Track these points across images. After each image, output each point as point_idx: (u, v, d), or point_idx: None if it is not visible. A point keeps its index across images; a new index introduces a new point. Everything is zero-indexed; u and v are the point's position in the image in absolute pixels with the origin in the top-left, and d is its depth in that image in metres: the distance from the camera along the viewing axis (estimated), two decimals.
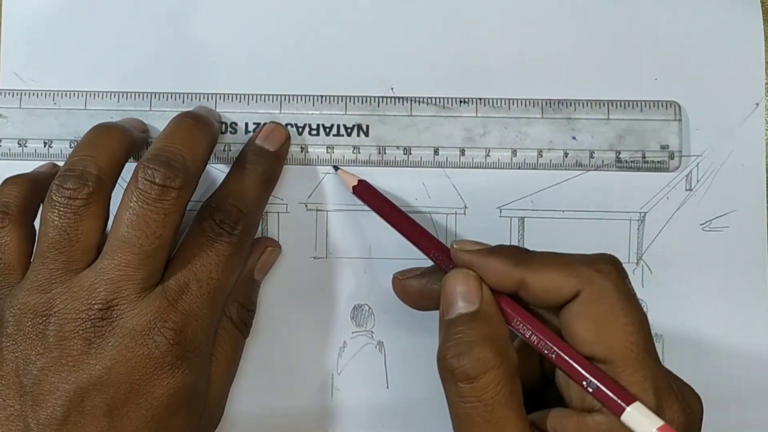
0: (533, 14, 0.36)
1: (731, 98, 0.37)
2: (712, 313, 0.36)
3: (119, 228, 0.29)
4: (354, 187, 0.34)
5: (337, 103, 0.36)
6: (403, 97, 0.36)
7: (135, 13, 0.36)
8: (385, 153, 0.35)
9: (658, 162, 0.35)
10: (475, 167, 0.35)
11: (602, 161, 0.35)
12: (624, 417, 0.26)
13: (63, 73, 0.36)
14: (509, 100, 0.36)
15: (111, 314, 0.28)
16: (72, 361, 0.28)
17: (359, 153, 0.35)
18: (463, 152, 0.35)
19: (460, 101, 0.36)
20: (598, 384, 0.26)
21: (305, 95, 0.36)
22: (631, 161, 0.35)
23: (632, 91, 0.36)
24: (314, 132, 0.36)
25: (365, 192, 0.34)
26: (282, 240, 0.36)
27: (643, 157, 0.35)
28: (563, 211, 0.36)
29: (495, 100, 0.36)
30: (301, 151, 0.36)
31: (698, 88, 0.37)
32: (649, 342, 0.27)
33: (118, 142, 0.31)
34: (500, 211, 0.36)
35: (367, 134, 0.35)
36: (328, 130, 0.36)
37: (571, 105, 0.36)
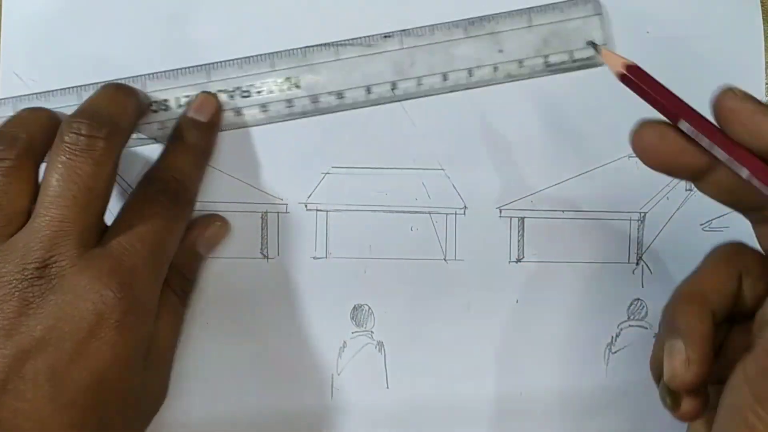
0: None
1: None
2: None
3: (50, 183, 0.28)
4: (622, 75, 0.28)
5: (264, 61, 0.35)
6: (327, 43, 0.36)
7: (135, 13, 0.36)
8: (318, 102, 0.35)
9: (586, 59, 0.36)
10: (409, 98, 0.36)
11: (532, 68, 0.36)
12: None
13: (63, 73, 0.36)
14: (431, 26, 0.36)
15: (50, 272, 0.27)
16: (9, 325, 0.27)
17: (293, 106, 0.35)
18: (395, 86, 0.36)
19: (384, 36, 0.36)
20: None
21: (231, 59, 0.35)
22: (561, 63, 0.36)
23: None
24: (246, 94, 0.35)
25: (639, 80, 0.27)
26: (282, 240, 0.36)
27: (571, 57, 0.36)
28: (563, 211, 0.36)
29: (418, 29, 0.36)
30: (236, 115, 0.35)
31: (698, 87, 0.37)
32: None
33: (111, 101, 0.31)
34: (500, 211, 0.36)
35: (298, 86, 0.35)
36: (258, 89, 0.36)
37: (492, 19, 0.36)
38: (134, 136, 0.35)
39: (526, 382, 0.36)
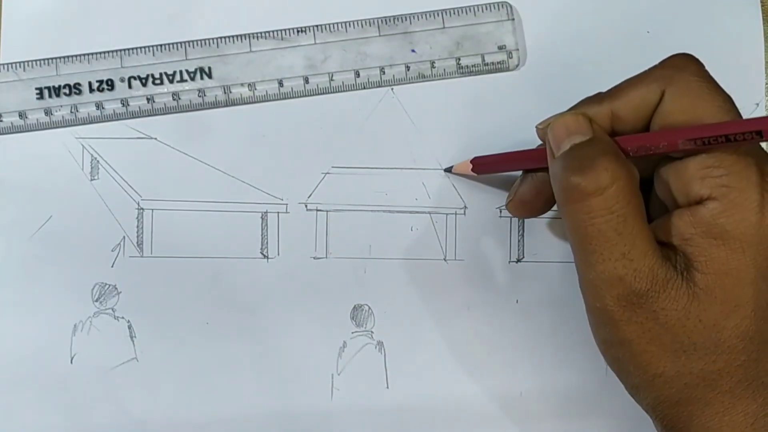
0: None
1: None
2: None
3: None
4: (472, 170, 0.35)
5: (177, 49, 0.36)
6: (241, 35, 0.36)
7: (135, 13, 0.36)
8: (230, 92, 0.36)
9: (498, 63, 0.36)
10: (320, 93, 0.36)
11: (444, 70, 0.36)
12: None
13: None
14: (345, 23, 0.36)
15: None
16: None
17: (205, 96, 0.36)
18: (307, 80, 0.36)
19: (298, 31, 0.36)
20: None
21: (144, 47, 0.35)
22: (472, 66, 0.36)
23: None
24: (158, 81, 0.36)
25: (484, 165, 0.34)
26: (282, 240, 0.36)
27: (483, 60, 0.36)
28: None
29: (332, 25, 0.36)
30: (148, 102, 0.35)
31: None
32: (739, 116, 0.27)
33: None
34: (500, 211, 0.36)
35: (210, 76, 0.36)
36: (171, 77, 0.36)
37: (406, 19, 0.36)
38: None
39: (526, 382, 0.36)
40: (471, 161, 0.34)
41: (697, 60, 0.28)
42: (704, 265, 0.26)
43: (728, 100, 0.27)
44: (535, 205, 0.33)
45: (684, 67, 0.28)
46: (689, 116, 0.27)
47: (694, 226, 0.26)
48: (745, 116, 0.36)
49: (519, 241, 0.36)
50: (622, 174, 0.26)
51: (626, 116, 0.28)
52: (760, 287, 0.26)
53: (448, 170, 0.36)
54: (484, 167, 0.34)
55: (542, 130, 0.30)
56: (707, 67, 0.37)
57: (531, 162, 0.32)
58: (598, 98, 0.29)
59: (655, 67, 0.28)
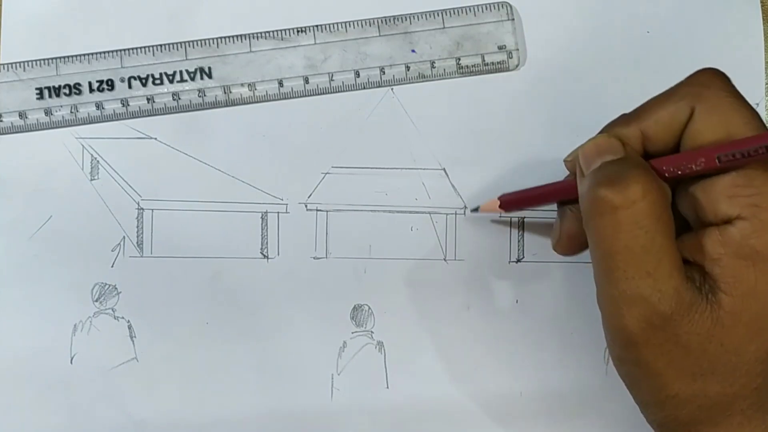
0: None
1: None
2: None
3: None
4: (500, 207, 0.34)
5: (177, 49, 0.36)
6: (241, 35, 0.36)
7: (135, 13, 0.36)
8: (230, 92, 0.36)
9: (498, 63, 0.36)
10: (320, 93, 0.36)
11: (444, 70, 0.36)
12: None
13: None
14: (345, 23, 0.36)
15: None
16: None
17: (205, 96, 0.36)
18: (307, 80, 0.36)
19: (298, 31, 0.36)
20: None
21: (144, 47, 0.36)
22: (473, 66, 0.36)
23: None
24: (158, 81, 0.36)
25: (512, 203, 0.34)
26: (282, 240, 0.36)
27: (483, 60, 0.36)
28: None
29: (332, 25, 0.36)
30: (148, 102, 0.35)
31: None
32: None
33: None
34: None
35: (210, 76, 0.36)
36: (171, 77, 0.36)
37: (406, 19, 0.36)
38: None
39: (526, 382, 0.36)
40: (499, 198, 0.34)
41: (723, 74, 0.28)
42: (732, 286, 0.25)
43: (755, 114, 0.27)
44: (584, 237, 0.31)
45: (712, 83, 0.27)
46: (721, 133, 0.26)
47: (723, 246, 0.26)
48: None
49: (519, 241, 0.36)
50: (653, 189, 0.25)
51: (656, 136, 0.28)
52: None
53: (475, 211, 0.35)
54: (513, 204, 0.34)
55: (570, 162, 0.30)
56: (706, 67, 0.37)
57: (561, 194, 0.31)
58: (626, 119, 0.28)
59: (681, 83, 0.28)
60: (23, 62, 0.35)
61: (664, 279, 0.25)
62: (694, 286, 0.26)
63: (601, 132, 0.29)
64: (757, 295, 0.25)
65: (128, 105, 0.35)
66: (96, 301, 0.35)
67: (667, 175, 0.27)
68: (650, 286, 0.25)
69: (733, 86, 0.27)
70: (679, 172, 0.27)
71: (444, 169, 0.36)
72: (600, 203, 0.26)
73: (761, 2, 0.37)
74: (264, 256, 0.36)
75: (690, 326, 0.26)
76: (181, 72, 0.36)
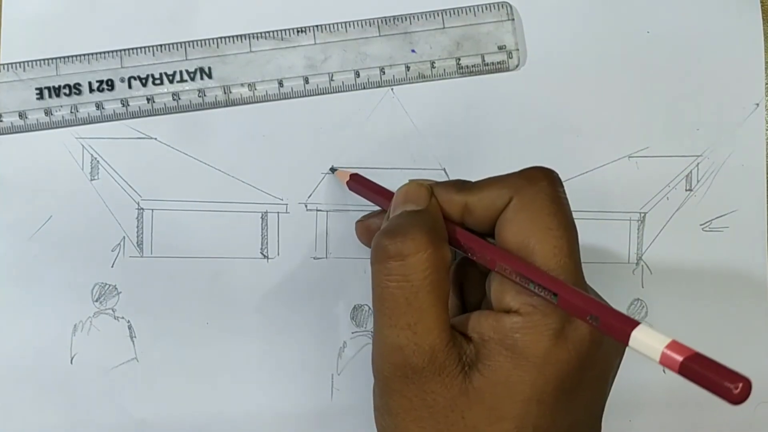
0: None
1: (731, 98, 0.37)
2: (712, 314, 0.36)
3: None
4: (348, 182, 0.34)
5: (177, 49, 0.36)
6: (241, 35, 0.36)
7: (135, 13, 0.36)
8: (230, 92, 0.36)
9: (498, 63, 0.36)
10: (320, 93, 0.36)
11: (444, 70, 0.36)
12: (632, 344, 0.24)
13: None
14: (345, 23, 0.36)
15: None
16: None
17: (205, 96, 0.36)
18: (307, 80, 0.36)
19: (298, 31, 0.36)
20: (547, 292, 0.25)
21: (144, 47, 0.36)
22: (473, 66, 0.36)
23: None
24: (158, 81, 0.36)
25: (359, 184, 0.34)
26: (282, 240, 0.36)
27: (483, 60, 0.36)
28: None
29: (332, 25, 0.36)
30: (148, 102, 0.35)
31: (698, 88, 0.37)
32: (574, 250, 0.27)
33: None
34: None
35: (210, 76, 0.36)
36: (171, 77, 0.36)
37: (406, 19, 0.36)
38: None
39: None
40: (351, 175, 0.34)
41: (552, 176, 0.28)
42: (487, 368, 0.26)
43: (564, 225, 0.27)
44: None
45: (536, 180, 0.28)
46: (521, 232, 0.27)
47: (494, 331, 0.27)
48: (744, 116, 0.36)
49: None
50: (429, 249, 0.27)
51: (476, 212, 0.28)
52: (530, 408, 0.26)
53: (333, 170, 0.36)
54: (357, 187, 0.34)
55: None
56: (707, 67, 0.37)
57: (384, 205, 0.32)
58: (460, 186, 0.29)
59: (514, 173, 0.28)
60: (23, 62, 0.35)
61: (422, 334, 0.26)
62: (456, 352, 0.27)
63: (439, 185, 0.30)
64: (508, 385, 0.26)
65: (128, 105, 0.35)
66: (96, 301, 0.35)
67: (464, 248, 0.28)
68: (408, 337, 0.26)
69: (556, 190, 0.28)
70: (469, 253, 0.28)
71: (444, 169, 0.36)
72: (378, 249, 0.27)
73: (761, 2, 0.37)
74: (264, 256, 0.36)
75: (438, 387, 0.27)
76: (181, 72, 0.36)
